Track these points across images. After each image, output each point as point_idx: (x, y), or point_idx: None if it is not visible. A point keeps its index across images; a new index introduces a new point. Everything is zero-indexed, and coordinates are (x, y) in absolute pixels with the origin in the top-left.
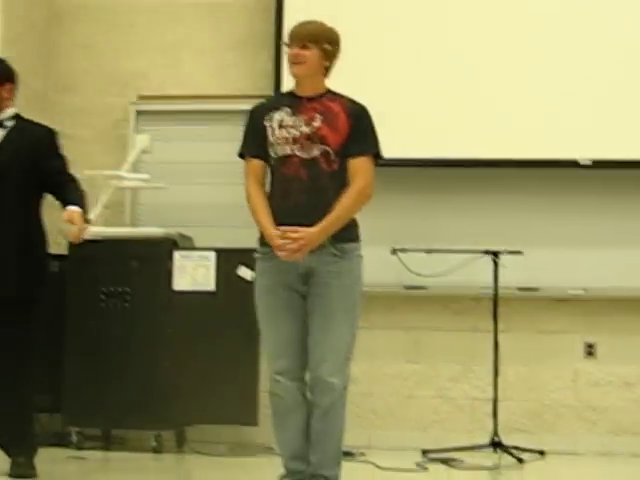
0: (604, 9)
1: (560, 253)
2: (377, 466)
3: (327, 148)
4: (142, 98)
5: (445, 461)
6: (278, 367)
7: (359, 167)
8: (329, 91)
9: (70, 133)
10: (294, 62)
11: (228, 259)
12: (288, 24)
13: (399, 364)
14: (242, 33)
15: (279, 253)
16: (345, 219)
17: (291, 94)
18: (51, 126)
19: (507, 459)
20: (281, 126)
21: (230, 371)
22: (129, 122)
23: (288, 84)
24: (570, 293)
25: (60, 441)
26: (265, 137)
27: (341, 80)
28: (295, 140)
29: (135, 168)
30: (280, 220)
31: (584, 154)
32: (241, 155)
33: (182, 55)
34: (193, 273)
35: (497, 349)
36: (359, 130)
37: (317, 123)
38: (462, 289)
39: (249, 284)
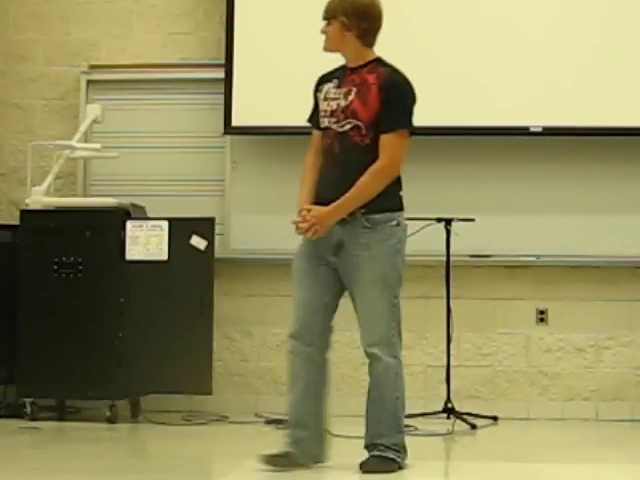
0: None
1: (512, 220)
2: (330, 433)
3: (358, 122)
4: (93, 67)
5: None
6: (292, 330)
7: (386, 144)
8: (375, 60)
9: (20, 103)
10: (325, 39)
11: (181, 228)
12: None
13: (352, 331)
14: (193, 1)
15: (295, 231)
16: (364, 197)
17: (344, 66)
18: (1, 96)
19: (460, 425)
20: (325, 98)
21: (184, 340)
22: (80, 92)
23: (239, 52)
24: (522, 260)
25: (14, 412)
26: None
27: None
28: (332, 113)
29: (87, 138)
30: (317, 191)
31: (535, 121)
32: (310, 122)
33: (133, 24)
34: (146, 243)
35: (450, 316)
36: (390, 104)
37: (351, 96)
38: (415, 256)
39: (202, 253)
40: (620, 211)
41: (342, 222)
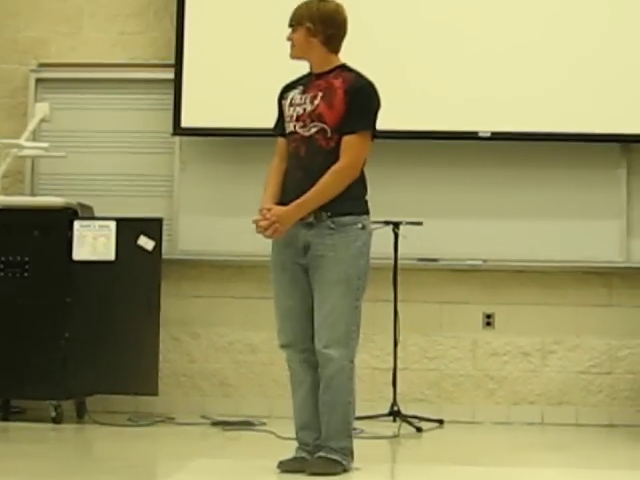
0: None
1: (460, 224)
2: (277, 435)
3: (324, 125)
4: (42, 66)
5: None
6: (282, 340)
7: (347, 145)
8: (340, 66)
9: None
10: (291, 46)
11: (128, 229)
12: None
13: None
14: (143, 1)
15: (256, 230)
16: (324, 197)
17: (309, 73)
18: None
19: (406, 428)
20: (291, 104)
21: (130, 341)
22: (29, 90)
23: (189, 53)
24: (469, 264)
25: None
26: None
27: None
28: (298, 117)
29: (35, 137)
30: (282, 196)
31: (483, 126)
32: (274, 130)
33: (83, 23)
34: (93, 243)
35: (397, 319)
36: (353, 107)
37: (317, 101)
38: None
39: (149, 254)
40: (567, 216)
41: (308, 225)
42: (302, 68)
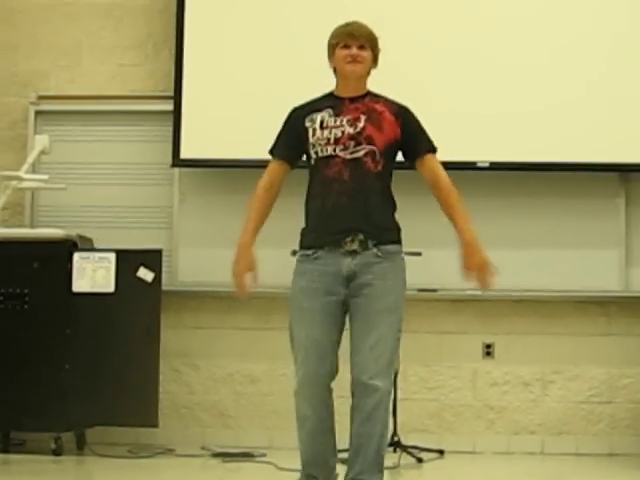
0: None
1: (458, 255)
2: (277, 466)
3: (373, 148)
4: (41, 98)
5: (345, 461)
6: (304, 374)
7: (434, 163)
8: (370, 92)
9: None
10: (355, 61)
11: (128, 260)
12: (189, 25)
13: None
14: (142, 33)
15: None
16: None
17: (331, 95)
18: None
19: (406, 459)
20: (323, 127)
21: (130, 373)
22: (28, 122)
23: (188, 84)
24: (468, 294)
25: None
26: (305, 139)
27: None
28: (337, 140)
29: (34, 169)
30: (318, 221)
31: (482, 156)
32: (271, 153)
33: (82, 55)
34: (93, 274)
35: None
36: (414, 129)
37: (362, 123)
38: None
39: (149, 285)
40: (565, 246)
41: (352, 254)
42: (302, 98)
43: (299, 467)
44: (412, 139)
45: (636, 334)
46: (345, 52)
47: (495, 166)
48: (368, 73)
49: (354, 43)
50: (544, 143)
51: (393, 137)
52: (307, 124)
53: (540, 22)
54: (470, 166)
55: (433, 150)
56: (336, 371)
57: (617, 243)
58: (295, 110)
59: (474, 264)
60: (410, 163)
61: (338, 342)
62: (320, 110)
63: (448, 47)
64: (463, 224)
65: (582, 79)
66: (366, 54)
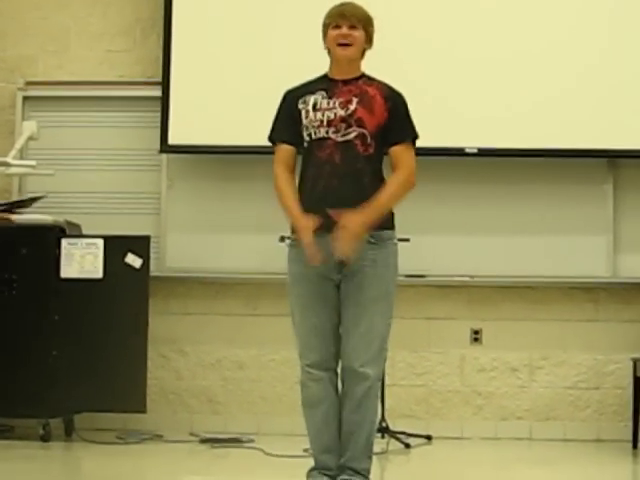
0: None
1: (447, 240)
2: (265, 452)
3: (364, 131)
4: (29, 84)
5: None
6: (310, 359)
7: (401, 155)
8: (364, 75)
9: None
10: (345, 43)
11: (116, 246)
12: (177, 10)
13: (287, 350)
14: (130, 19)
15: (308, 259)
16: (389, 207)
17: (325, 77)
18: None
19: (394, 444)
20: (315, 109)
21: (118, 359)
22: (16, 108)
23: (176, 70)
24: (456, 280)
25: None
26: (299, 121)
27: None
28: (330, 122)
29: (22, 155)
30: (309, 204)
31: (470, 142)
32: (271, 140)
33: (70, 41)
34: (81, 260)
35: None
36: (398, 116)
37: (353, 106)
38: None
39: (137, 271)
40: (553, 232)
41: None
42: (289, 83)
43: (287, 453)
44: (392, 125)
45: (623, 320)
46: (336, 32)
47: (483, 152)
48: (363, 54)
49: (345, 23)
50: (532, 129)
51: (383, 120)
52: (300, 106)
53: (530, 10)
54: (458, 152)
55: (410, 140)
56: (339, 353)
57: (605, 229)
58: (289, 92)
59: (346, 221)
60: (385, 147)
61: (338, 325)
62: (313, 92)
63: (437, 33)
64: (378, 197)
65: (570, 67)
66: (358, 34)
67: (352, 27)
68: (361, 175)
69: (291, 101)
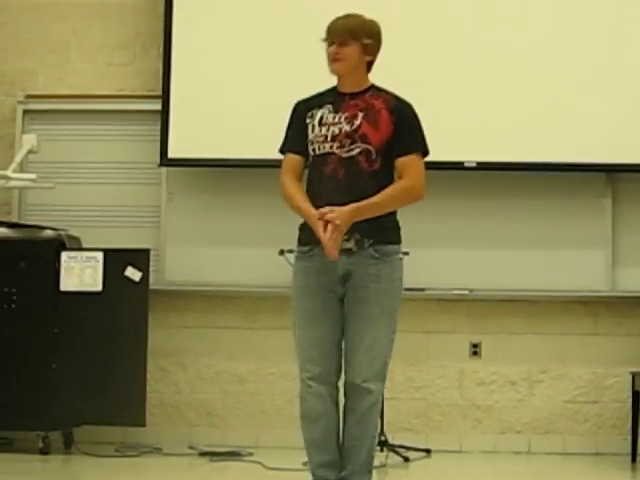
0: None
1: (446, 254)
2: (264, 466)
3: (368, 146)
4: (29, 97)
5: None
6: (311, 372)
7: (408, 166)
8: (373, 86)
9: None
10: (333, 59)
11: (116, 260)
12: (177, 24)
13: (286, 364)
14: (130, 32)
15: (325, 248)
16: (383, 208)
17: (334, 90)
18: None
19: (393, 458)
20: (321, 123)
21: (117, 372)
22: (16, 121)
23: (176, 84)
24: (456, 294)
25: None
26: (307, 134)
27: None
28: (334, 137)
29: (22, 168)
30: None
31: (469, 156)
32: (282, 152)
33: (70, 54)
34: (80, 274)
35: None
36: (404, 127)
37: (358, 121)
38: None
39: (137, 284)
40: (552, 246)
41: (348, 252)
42: (292, 97)
43: (286, 466)
44: (398, 137)
45: (622, 334)
46: (329, 49)
47: (482, 166)
48: (369, 66)
49: (336, 39)
50: (531, 143)
51: (388, 134)
52: (307, 120)
53: (529, 24)
54: (457, 166)
55: (420, 152)
56: (341, 369)
57: (604, 243)
58: (299, 104)
59: (331, 215)
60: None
61: (341, 338)
62: (321, 106)
63: (436, 46)
64: (378, 195)
65: (569, 81)
66: (348, 49)
67: (342, 43)
68: (365, 191)
69: (300, 114)
